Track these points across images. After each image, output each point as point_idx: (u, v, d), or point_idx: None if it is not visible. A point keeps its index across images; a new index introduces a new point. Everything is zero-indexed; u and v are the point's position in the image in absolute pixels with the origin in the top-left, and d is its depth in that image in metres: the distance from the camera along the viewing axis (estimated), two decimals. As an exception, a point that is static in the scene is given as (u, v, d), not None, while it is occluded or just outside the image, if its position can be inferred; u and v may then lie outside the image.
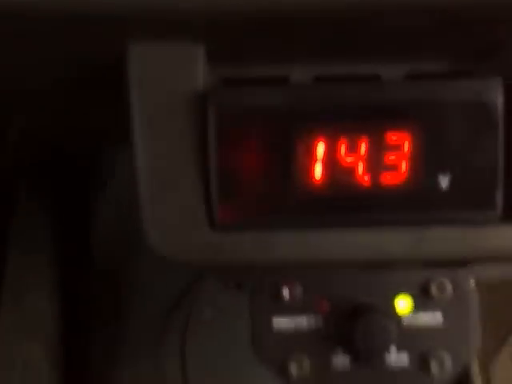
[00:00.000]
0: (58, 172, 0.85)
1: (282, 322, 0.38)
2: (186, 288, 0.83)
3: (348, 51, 0.39)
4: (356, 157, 0.37)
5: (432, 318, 0.38)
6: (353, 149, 0.37)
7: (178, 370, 0.79)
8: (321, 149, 0.37)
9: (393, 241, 0.37)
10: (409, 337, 0.38)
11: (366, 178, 0.37)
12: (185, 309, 0.82)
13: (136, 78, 0.35)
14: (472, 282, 0.41)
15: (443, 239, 0.37)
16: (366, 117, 0.37)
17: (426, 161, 0.37)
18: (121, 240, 0.83)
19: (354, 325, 0.36)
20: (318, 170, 0.37)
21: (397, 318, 0.38)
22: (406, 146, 0.37)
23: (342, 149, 0.37)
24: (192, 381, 0.78)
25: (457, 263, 0.39)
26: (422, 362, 0.38)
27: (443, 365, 0.38)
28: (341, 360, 0.38)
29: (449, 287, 0.38)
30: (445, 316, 0.38)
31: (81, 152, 0.85)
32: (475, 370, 0.96)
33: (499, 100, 0.37)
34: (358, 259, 0.37)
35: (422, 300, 0.38)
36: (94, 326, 0.84)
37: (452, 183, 0.37)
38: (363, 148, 0.37)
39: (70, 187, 0.88)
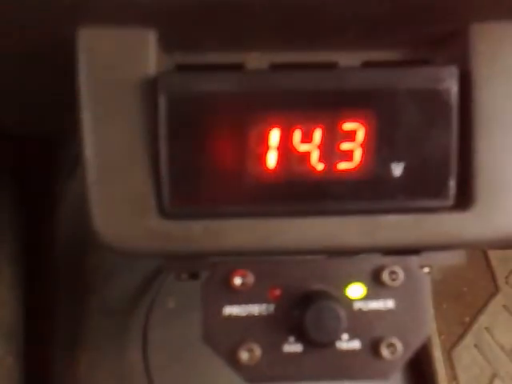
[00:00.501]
0: (21, 161, 0.84)
1: (233, 310, 0.38)
2: (150, 276, 0.83)
3: (305, 39, 0.39)
4: (310, 145, 0.37)
5: (384, 305, 0.39)
6: (307, 137, 0.37)
7: (140, 357, 0.78)
8: (275, 136, 0.36)
9: (346, 229, 0.37)
10: (360, 323, 0.38)
11: (321, 166, 0.37)
12: (149, 297, 0.82)
13: (85, 63, 0.34)
14: (425, 270, 0.41)
15: (396, 227, 0.38)
16: (321, 104, 0.37)
17: (381, 149, 0.37)
18: (85, 227, 0.82)
19: (306, 312, 0.36)
20: (271, 158, 0.36)
21: (349, 305, 0.38)
22: (361, 135, 0.37)
23: (297, 137, 0.37)
24: (153, 368, 0.78)
25: (410, 251, 0.39)
26: (373, 347, 0.38)
27: (394, 350, 0.38)
28: (292, 347, 0.38)
29: (401, 274, 0.38)
30: (396, 303, 0.39)
31: (45, 141, 0.84)
32: (438, 355, 0.97)
33: (454, 88, 0.37)
34: (311, 248, 0.37)
35: (374, 287, 0.38)
36: (57, 313, 0.84)
37: (406, 171, 0.37)
38: (318, 136, 0.37)
39: (34, 176, 0.87)
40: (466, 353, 1.07)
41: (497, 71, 0.37)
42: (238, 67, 0.38)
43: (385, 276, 0.38)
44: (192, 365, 0.80)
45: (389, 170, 0.37)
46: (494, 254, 1.14)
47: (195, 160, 0.36)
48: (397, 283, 0.38)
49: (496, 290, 1.12)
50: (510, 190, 0.38)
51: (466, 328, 1.09)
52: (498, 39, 0.37)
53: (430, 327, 0.39)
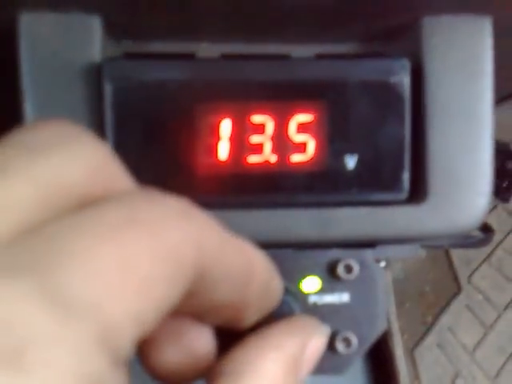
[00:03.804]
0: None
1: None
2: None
3: (256, 30, 0.38)
4: (263, 136, 0.36)
5: (338, 299, 0.38)
6: (260, 128, 0.36)
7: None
8: (226, 127, 0.36)
9: (300, 222, 0.37)
10: (315, 317, 0.38)
11: (274, 158, 0.37)
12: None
13: (27, 50, 0.33)
14: (382, 264, 0.41)
15: (350, 220, 0.37)
16: (274, 95, 0.36)
17: (334, 141, 0.37)
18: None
19: (259, 306, 0.35)
20: (223, 149, 0.36)
21: (303, 299, 0.38)
22: (314, 126, 0.37)
23: (249, 128, 0.36)
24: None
25: (365, 244, 0.39)
26: (328, 341, 0.38)
27: (349, 344, 0.38)
28: (245, 341, 0.37)
29: (356, 268, 0.38)
30: (351, 296, 0.38)
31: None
32: (400, 354, 0.98)
33: (406, 80, 0.37)
34: (264, 241, 0.37)
35: (329, 281, 0.38)
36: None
37: (359, 164, 0.37)
38: (270, 127, 0.36)
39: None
40: (428, 352, 1.07)
41: (448, 64, 0.37)
42: (188, 57, 0.37)
43: (340, 269, 0.38)
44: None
45: (342, 163, 0.37)
46: (456, 254, 1.16)
47: (143, 151, 0.35)
48: (352, 277, 0.38)
49: (458, 289, 1.14)
50: (462, 182, 0.38)
51: (429, 327, 1.10)
52: (449, 32, 0.37)
53: (385, 321, 0.38)
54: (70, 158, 0.17)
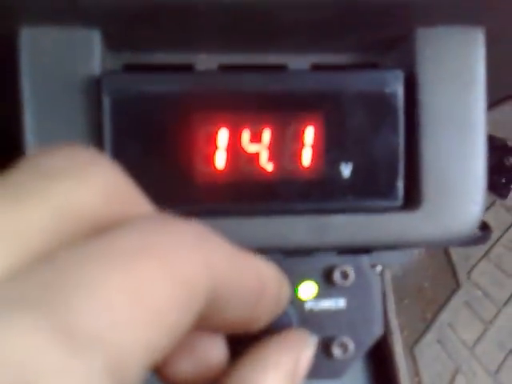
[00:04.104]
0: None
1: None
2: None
3: (254, 42, 0.39)
4: (260, 145, 0.37)
5: (335, 304, 0.39)
6: (256, 137, 0.37)
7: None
8: (223, 137, 0.36)
9: (296, 229, 0.38)
10: (311, 323, 0.39)
11: (270, 166, 0.37)
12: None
13: (27, 63, 0.34)
14: (378, 268, 0.42)
15: (346, 227, 0.38)
16: (270, 106, 0.37)
17: (329, 150, 0.37)
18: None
19: (256, 312, 0.36)
20: (220, 159, 0.37)
21: (299, 305, 0.38)
22: (310, 136, 0.37)
23: (245, 137, 0.37)
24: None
25: (361, 250, 0.40)
26: (324, 347, 0.39)
27: (346, 349, 0.38)
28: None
29: (352, 274, 0.39)
30: (347, 302, 0.39)
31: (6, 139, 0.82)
32: (399, 351, 0.98)
33: (399, 91, 0.38)
34: (261, 247, 0.37)
35: (326, 287, 0.39)
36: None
37: (355, 172, 0.38)
38: (267, 136, 0.37)
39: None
40: (428, 349, 1.08)
41: (442, 74, 0.38)
42: (187, 68, 0.38)
43: (336, 276, 0.39)
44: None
45: (338, 171, 0.38)
46: (455, 251, 1.16)
47: (141, 161, 0.35)
48: (348, 283, 0.39)
49: (457, 285, 1.14)
50: (456, 190, 0.38)
51: (428, 324, 1.10)
52: (442, 43, 0.38)
53: (381, 326, 0.39)
54: (84, 183, 0.17)
